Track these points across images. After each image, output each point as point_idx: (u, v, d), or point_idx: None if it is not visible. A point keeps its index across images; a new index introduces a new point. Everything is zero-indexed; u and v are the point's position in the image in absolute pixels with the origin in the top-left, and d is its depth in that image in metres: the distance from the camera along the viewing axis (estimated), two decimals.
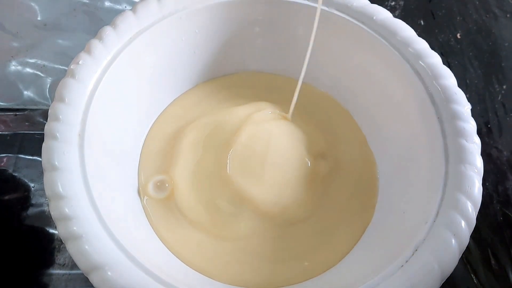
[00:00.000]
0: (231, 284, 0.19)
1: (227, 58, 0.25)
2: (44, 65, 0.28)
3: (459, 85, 0.19)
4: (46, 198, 0.17)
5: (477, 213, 0.16)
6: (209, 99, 0.25)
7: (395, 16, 0.21)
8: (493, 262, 0.23)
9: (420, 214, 0.17)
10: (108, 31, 0.20)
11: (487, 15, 0.32)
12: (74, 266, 0.22)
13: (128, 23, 0.20)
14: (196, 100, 0.24)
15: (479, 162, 0.17)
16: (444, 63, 0.20)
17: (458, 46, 0.31)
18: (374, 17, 0.21)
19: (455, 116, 0.18)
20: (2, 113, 0.27)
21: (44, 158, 0.16)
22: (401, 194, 0.20)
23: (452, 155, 0.18)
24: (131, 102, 0.21)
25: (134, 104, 0.22)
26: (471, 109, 0.19)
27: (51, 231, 0.23)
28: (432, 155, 0.19)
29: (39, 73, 0.28)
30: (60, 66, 0.28)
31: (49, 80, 0.28)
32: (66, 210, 0.15)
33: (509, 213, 0.24)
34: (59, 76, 0.28)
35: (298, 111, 0.24)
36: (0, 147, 0.26)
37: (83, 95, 0.18)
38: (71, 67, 0.18)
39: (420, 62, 0.20)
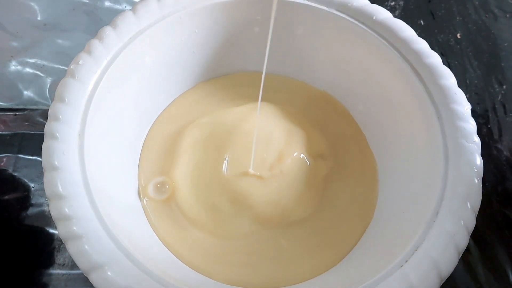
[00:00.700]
0: (231, 284, 0.19)
1: (227, 58, 0.25)
2: (44, 65, 0.28)
3: (459, 85, 0.19)
4: (46, 198, 0.17)
5: (476, 213, 0.16)
6: (209, 99, 0.25)
7: (395, 16, 0.21)
8: (493, 262, 0.23)
9: (420, 214, 0.17)
10: (108, 31, 0.20)
11: (487, 15, 0.32)
12: (74, 266, 0.22)
13: (128, 23, 0.20)
14: (196, 100, 0.24)
15: (479, 162, 0.17)
16: (444, 63, 0.20)
17: (458, 46, 0.31)
18: (374, 17, 0.21)
19: (455, 116, 0.18)
20: (2, 113, 0.27)
21: (44, 158, 0.16)
22: (401, 194, 0.20)
23: (452, 155, 0.18)
24: (131, 102, 0.21)
25: (134, 104, 0.22)
26: (471, 109, 0.19)
27: (51, 231, 0.23)
28: (432, 155, 0.19)
29: (39, 73, 0.28)
30: (60, 66, 0.28)
31: (49, 80, 0.28)
32: (66, 210, 0.15)
33: (509, 213, 0.24)
34: (59, 76, 0.28)
35: (298, 111, 0.24)
36: (0, 147, 0.26)
37: (83, 95, 0.18)
38: (71, 67, 0.18)
39: (420, 62, 0.20)
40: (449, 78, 0.19)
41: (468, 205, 0.16)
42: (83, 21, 0.29)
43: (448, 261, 0.15)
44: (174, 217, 0.20)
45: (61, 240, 0.21)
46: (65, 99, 0.17)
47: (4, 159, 0.25)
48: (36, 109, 0.27)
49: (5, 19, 0.28)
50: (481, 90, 0.29)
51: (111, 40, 0.19)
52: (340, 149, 0.23)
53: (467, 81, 0.29)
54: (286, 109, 0.23)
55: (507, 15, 0.32)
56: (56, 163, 0.16)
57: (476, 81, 0.29)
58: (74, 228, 0.15)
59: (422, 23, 0.32)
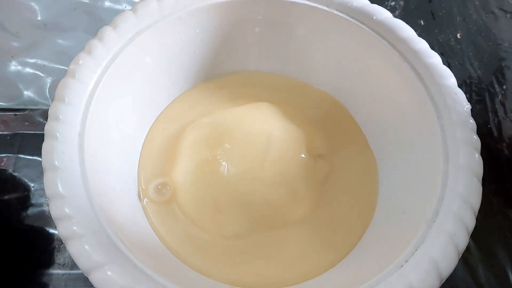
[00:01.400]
0: (231, 284, 0.19)
1: (227, 58, 0.25)
2: (44, 65, 0.28)
3: (459, 85, 0.19)
4: (46, 198, 0.17)
5: (476, 213, 0.16)
6: (209, 99, 0.25)
7: (395, 16, 0.21)
8: (493, 262, 0.23)
9: (420, 214, 0.17)
10: (108, 31, 0.20)
11: (487, 15, 0.32)
12: (74, 266, 0.22)
13: (128, 23, 0.20)
14: (196, 100, 0.24)
15: (479, 162, 0.17)
16: (444, 63, 0.20)
17: (458, 46, 0.31)
18: (374, 17, 0.21)
19: (455, 116, 0.18)
20: (2, 113, 0.27)
21: (44, 158, 0.16)
22: (401, 194, 0.20)
23: (452, 155, 0.18)
24: (131, 102, 0.21)
25: (134, 104, 0.22)
26: (471, 109, 0.19)
27: (51, 231, 0.23)
28: (431, 155, 0.19)
29: (39, 73, 0.28)
30: (60, 66, 0.28)
31: (49, 80, 0.28)
32: (66, 210, 0.15)
33: (509, 213, 0.24)
34: (59, 76, 0.28)
35: (298, 111, 0.24)
36: (0, 147, 0.26)
37: (83, 95, 0.18)
38: (71, 67, 0.18)
39: (420, 62, 0.20)
40: (449, 78, 0.19)
41: (468, 205, 0.16)
42: (83, 21, 0.29)
43: (448, 261, 0.15)
44: (174, 217, 0.20)
45: (61, 240, 0.21)
46: (65, 99, 0.17)
47: (4, 159, 0.25)
48: (36, 109, 0.27)
49: (5, 19, 0.28)
50: (481, 90, 0.29)
51: (111, 40, 0.19)
52: (340, 149, 0.23)
53: (467, 81, 0.29)
54: (286, 109, 0.23)
55: (508, 15, 0.32)
56: (56, 163, 0.16)
57: (476, 81, 0.29)
58: (74, 228, 0.15)
59: (422, 23, 0.32)
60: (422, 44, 0.20)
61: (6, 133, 0.26)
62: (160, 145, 0.22)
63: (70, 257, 0.16)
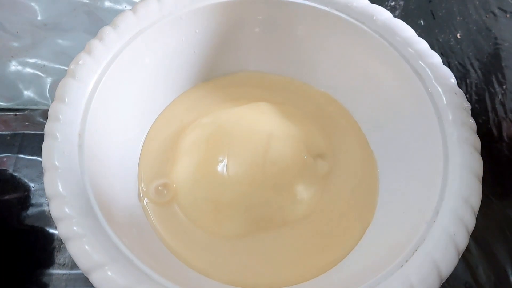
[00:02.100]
0: (231, 284, 0.19)
1: (227, 58, 0.25)
2: (44, 65, 0.28)
3: (459, 85, 0.19)
4: (46, 198, 0.17)
5: (476, 213, 0.16)
6: (209, 99, 0.25)
7: (395, 16, 0.21)
8: (493, 262, 0.23)
9: (420, 214, 0.17)
10: (108, 31, 0.20)
11: (487, 15, 0.32)
12: (74, 266, 0.22)
13: (128, 23, 0.20)
14: (196, 100, 0.24)
15: (478, 162, 0.17)
16: (444, 63, 0.20)
17: (458, 46, 0.31)
18: (374, 17, 0.21)
19: (455, 116, 0.18)
20: (2, 113, 0.27)
21: (44, 158, 0.16)
22: (401, 194, 0.20)
23: (452, 154, 0.18)
24: (131, 102, 0.21)
25: (134, 104, 0.22)
26: (471, 109, 0.19)
27: (51, 231, 0.23)
28: (432, 155, 0.19)
29: (39, 73, 0.28)
30: (60, 66, 0.28)
31: (49, 80, 0.28)
32: (66, 210, 0.15)
33: (509, 213, 0.24)
34: (59, 76, 0.28)
35: (298, 111, 0.24)
36: (0, 147, 0.26)
37: (83, 95, 0.18)
38: (71, 67, 0.18)
39: (420, 62, 0.20)
40: (449, 78, 0.19)
41: (468, 205, 0.16)
42: (83, 21, 0.29)
43: (448, 261, 0.15)
44: (175, 217, 0.20)
45: (61, 240, 0.21)
46: (65, 99, 0.17)
47: (4, 159, 0.25)
48: (36, 109, 0.27)
49: (5, 19, 0.28)
50: (481, 90, 0.29)
51: (111, 40, 0.19)
52: (340, 149, 0.23)
53: (467, 81, 0.29)
54: (286, 109, 0.23)
55: (508, 15, 0.32)
56: (56, 163, 0.16)
57: (476, 81, 0.29)
58: (74, 228, 0.15)
59: (422, 23, 0.32)
60: (422, 44, 0.20)
61: (6, 133, 0.26)
62: (160, 145, 0.22)
63: (70, 257, 0.16)
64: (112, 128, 0.20)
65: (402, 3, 0.33)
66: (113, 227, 0.16)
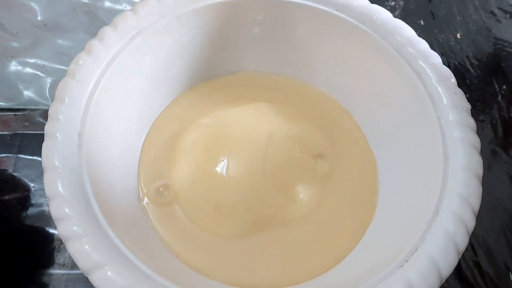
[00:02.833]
0: (231, 284, 0.19)
1: (227, 58, 0.25)
2: (44, 65, 0.28)
3: (459, 85, 0.19)
4: (46, 198, 0.17)
5: (476, 213, 0.16)
6: (209, 99, 0.25)
7: (395, 16, 0.21)
8: (493, 262, 0.23)
9: (420, 214, 0.17)
10: (108, 31, 0.20)
11: (487, 15, 0.32)
12: (74, 266, 0.22)
13: (128, 23, 0.20)
14: (196, 100, 0.24)
15: (479, 162, 0.17)
16: (444, 63, 0.20)
17: (458, 46, 0.31)
18: (374, 17, 0.21)
19: (455, 116, 0.18)
20: (2, 113, 0.27)
21: (44, 158, 0.16)
22: (401, 194, 0.20)
23: (452, 155, 0.18)
24: (131, 101, 0.21)
25: (134, 104, 0.22)
26: (471, 109, 0.19)
27: (51, 231, 0.23)
28: (431, 155, 0.19)
29: (39, 73, 0.28)
30: (60, 66, 0.28)
31: (49, 80, 0.28)
32: (66, 210, 0.15)
33: (510, 213, 0.24)
34: (59, 76, 0.28)
35: (298, 111, 0.24)
36: (0, 147, 0.26)
37: (83, 95, 0.18)
38: (71, 67, 0.18)
39: (420, 62, 0.20)
40: (449, 78, 0.19)
41: (468, 205, 0.16)
42: (83, 21, 0.29)
43: (448, 261, 0.15)
44: (174, 217, 0.20)
45: (61, 240, 0.21)
46: (65, 99, 0.17)
47: (4, 159, 0.25)
48: (36, 109, 0.27)
49: (5, 19, 0.28)
50: (481, 90, 0.29)
51: (111, 40, 0.19)
52: (340, 149, 0.23)
53: (467, 81, 0.29)
54: (286, 109, 0.23)
55: (507, 15, 0.32)
56: (56, 163, 0.16)
57: (476, 81, 0.29)
58: (74, 228, 0.15)
59: (422, 23, 0.32)
60: (422, 44, 0.20)
61: (6, 133, 0.26)
62: (160, 145, 0.22)
63: (70, 257, 0.16)
64: (112, 128, 0.20)
65: (402, 3, 0.33)
66: (113, 227, 0.16)
